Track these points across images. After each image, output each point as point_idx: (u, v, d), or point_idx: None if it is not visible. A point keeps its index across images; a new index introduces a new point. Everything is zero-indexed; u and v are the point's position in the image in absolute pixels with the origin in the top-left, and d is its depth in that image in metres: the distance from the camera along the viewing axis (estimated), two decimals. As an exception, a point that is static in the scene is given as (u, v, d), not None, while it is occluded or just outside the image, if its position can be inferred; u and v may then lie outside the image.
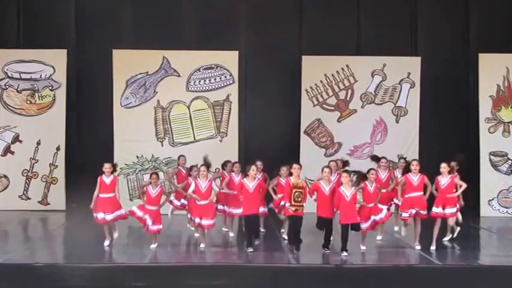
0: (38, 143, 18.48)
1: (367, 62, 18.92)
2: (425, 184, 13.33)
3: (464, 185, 13.43)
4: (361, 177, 13.28)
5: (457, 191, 13.44)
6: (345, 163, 14.61)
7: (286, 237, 13.97)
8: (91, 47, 18.80)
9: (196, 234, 14.03)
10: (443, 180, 13.34)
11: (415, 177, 13.30)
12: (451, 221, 13.78)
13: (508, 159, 18.47)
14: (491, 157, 18.46)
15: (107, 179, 13.56)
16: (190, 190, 13.60)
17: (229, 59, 18.50)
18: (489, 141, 18.46)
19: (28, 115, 18.57)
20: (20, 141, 18.51)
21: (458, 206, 13.67)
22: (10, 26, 19.13)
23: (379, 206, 13.42)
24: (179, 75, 18.49)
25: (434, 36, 19.24)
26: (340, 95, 18.88)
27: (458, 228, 14.18)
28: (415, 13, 19.53)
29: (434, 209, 13.34)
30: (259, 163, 14.80)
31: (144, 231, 13.50)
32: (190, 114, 18.49)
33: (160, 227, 13.41)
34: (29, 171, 18.51)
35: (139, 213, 13.29)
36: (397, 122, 18.86)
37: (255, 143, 18.38)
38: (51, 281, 11.36)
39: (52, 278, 11.37)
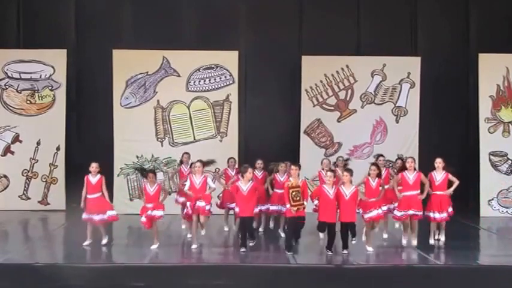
0: (38, 143, 18.48)
1: (367, 62, 18.92)
2: (422, 182, 13.37)
3: (456, 182, 13.45)
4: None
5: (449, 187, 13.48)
6: (346, 162, 14.69)
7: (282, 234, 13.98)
8: (91, 47, 18.80)
9: (189, 235, 14.02)
10: (438, 176, 13.40)
11: (410, 175, 13.34)
12: (442, 225, 13.78)
13: (508, 159, 18.47)
14: (491, 157, 18.47)
15: (92, 178, 13.56)
16: (185, 187, 13.65)
17: (229, 59, 18.50)
18: (489, 141, 18.47)
19: (28, 115, 18.57)
20: (20, 141, 18.51)
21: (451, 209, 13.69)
22: (10, 26, 19.13)
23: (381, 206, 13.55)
24: (179, 75, 18.49)
25: (434, 36, 19.24)
26: (340, 95, 18.88)
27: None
28: (415, 13, 19.53)
29: (431, 214, 13.41)
30: (259, 162, 14.90)
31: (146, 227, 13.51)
32: (190, 114, 18.50)
33: (162, 213, 13.33)
34: (29, 171, 18.51)
35: (143, 219, 13.30)
36: (397, 122, 18.86)
37: (255, 143, 18.38)
38: (51, 281, 11.35)
39: (52, 278, 11.36)
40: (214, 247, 13.93)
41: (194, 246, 13.41)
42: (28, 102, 18.58)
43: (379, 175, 13.48)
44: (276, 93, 18.60)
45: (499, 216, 18.23)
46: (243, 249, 12.99)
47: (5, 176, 18.50)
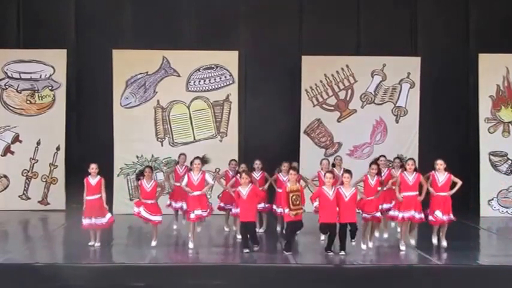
0: (38, 143, 18.49)
1: (367, 62, 18.92)
2: (421, 183, 13.30)
3: (460, 183, 13.40)
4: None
5: (452, 188, 13.42)
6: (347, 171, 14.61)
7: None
8: (91, 47, 18.78)
9: (189, 235, 14.02)
10: (441, 177, 13.33)
11: (410, 176, 13.28)
12: (444, 228, 13.66)
13: (508, 159, 18.48)
14: (491, 157, 18.47)
15: (92, 180, 13.51)
16: (183, 183, 13.65)
17: (229, 59, 18.50)
18: (489, 141, 18.47)
19: (28, 115, 18.58)
20: (20, 141, 18.51)
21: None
22: (10, 26, 19.13)
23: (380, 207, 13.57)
24: (179, 75, 18.49)
25: (434, 36, 19.23)
26: (340, 95, 18.88)
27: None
28: (415, 13, 19.52)
29: (436, 214, 13.27)
30: (257, 162, 14.88)
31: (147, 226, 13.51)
32: (190, 114, 18.50)
33: (160, 218, 13.39)
34: (29, 171, 18.51)
35: (136, 209, 13.33)
36: (397, 122, 18.86)
37: (255, 143, 18.37)
38: (51, 281, 11.35)
39: (52, 278, 11.36)
40: (214, 247, 13.92)
41: (191, 245, 13.39)
42: (28, 102, 18.58)
43: (378, 174, 13.49)
44: (276, 93, 18.59)
45: (499, 216, 18.23)
46: (246, 250, 12.99)
47: (5, 176, 18.51)
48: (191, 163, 14.04)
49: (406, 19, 19.57)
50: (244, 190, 13.12)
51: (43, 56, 18.56)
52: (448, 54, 19.21)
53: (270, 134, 18.19)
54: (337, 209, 12.85)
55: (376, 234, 14.18)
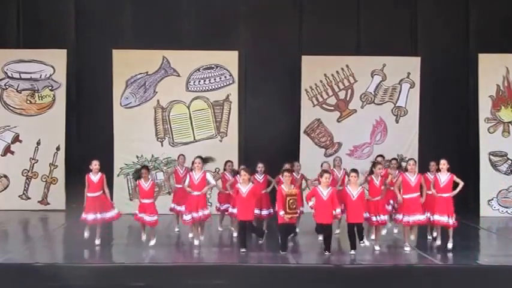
0: (38, 143, 18.49)
1: (367, 62, 18.93)
2: (421, 184, 13.26)
3: (461, 183, 13.37)
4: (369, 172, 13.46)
5: (454, 188, 13.39)
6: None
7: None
8: (91, 47, 18.79)
9: (191, 235, 14.03)
10: (443, 177, 13.30)
11: (412, 177, 13.25)
12: (450, 232, 13.58)
13: (508, 159, 18.48)
14: (491, 157, 18.47)
15: (94, 177, 13.53)
16: (185, 183, 13.66)
17: (229, 59, 18.51)
18: (489, 141, 18.47)
19: (28, 115, 18.58)
20: (20, 141, 18.52)
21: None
22: (10, 26, 19.13)
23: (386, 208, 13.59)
24: (179, 75, 18.50)
25: (434, 36, 19.23)
26: (340, 95, 18.89)
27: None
28: (415, 13, 19.53)
29: (437, 217, 13.23)
30: (260, 165, 14.81)
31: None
32: (190, 114, 18.50)
33: (156, 218, 13.39)
34: (29, 171, 18.52)
35: (140, 214, 13.35)
36: (397, 122, 18.87)
37: (255, 143, 18.38)
38: (51, 281, 11.36)
39: (52, 278, 11.37)
40: (214, 247, 13.92)
41: (196, 242, 13.39)
42: (28, 102, 18.58)
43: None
44: (275, 93, 18.59)
45: (499, 216, 18.24)
46: (242, 250, 12.99)
47: (5, 176, 18.51)
48: (192, 163, 14.02)
49: (406, 19, 19.58)
50: (244, 188, 13.11)
51: (43, 56, 18.57)
52: (448, 54, 19.21)
53: (270, 134, 18.18)
54: (338, 209, 12.80)
55: (384, 231, 14.13)
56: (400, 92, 18.85)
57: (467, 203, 18.08)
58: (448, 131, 19.11)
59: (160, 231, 13.94)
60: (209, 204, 13.99)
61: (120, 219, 14.07)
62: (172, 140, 18.43)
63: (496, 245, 15.65)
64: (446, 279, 11.67)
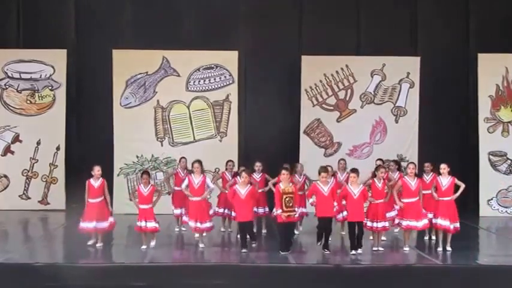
0: (38, 143, 18.50)
1: (367, 62, 18.93)
2: (420, 188, 13.19)
3: (463, 186, 13.36)
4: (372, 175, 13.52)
5: (456, 191, 13.36)
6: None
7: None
8: (91, 47, 18.79)
9: (196, 235, 14.02)
10: (444, 181, 13.27)
11: (412, 181, 13.19)
12: (449, 237, 13.51)
13: (507, 159, 18.49)
14: (491, 157, 18.49)
15: (95, 182, 13.45)
16: (183, 185, 13.65)
17: (229, 59, 18.51)
18: (488, 141, 18.49)
19: (28, 115, 18.59)
20: (20, 141, 18.53)
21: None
22: (10, 26, 19.12)
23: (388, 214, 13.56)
24: (179, 75, 18.50)
25: (434, 36, 19.23)
26: (339, 95, 18.89)
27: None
28: (415, 13, 19.52)
29: (439, 221, 13.16)
30: (258, 164, 14.83)
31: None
32: (190, 114, 18.51)
33: (157, 225, 13.35)
34: (29, 171, 18.52)
35: (142, 224, 13.30)
36: (397, 122, 18.87)
37: (255, 143, 18.38)
38: (51, 281, 11.37)
39: (52, 278, 11.38)
40: (214, 247, 13.93)
41: (202, 245, 13.38)
42: (28, 102, 18.59)
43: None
44: (275, 93, 18.61)
45: (499, 216, 18.25)
46: (244, 250, 13.01)
47: (5, 176, 18.52)
48: (192, 165, 14.00)
49: (406, 19, 19.57)
50: (243, 190, 13.12)
51: (43, 56, 18.58)
52: (448, 54, 19.22)
53: (270, 133, 18.17)
54: (340, 203, 12.82)
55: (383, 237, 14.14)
56: (399, 92, 18.85)
57: (466, 202, 18.10)
58: (448, 131, 19.11)
59: (160, 231, 13.93)
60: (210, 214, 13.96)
61: (120, 219, 14.08)
62: (172, 140, 18.44)
63: (495, 244, 15.66)
64: (446, 279, 11.68)
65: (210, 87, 18.50)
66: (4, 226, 16.42)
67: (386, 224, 13.41)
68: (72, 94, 18.92)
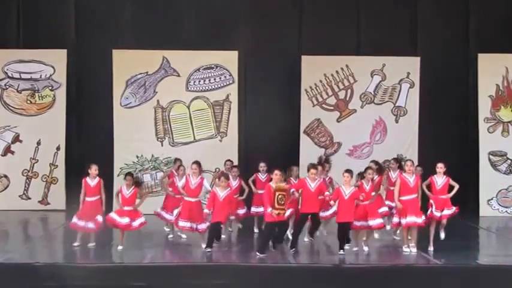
0: (38, 143, 18.50)
1: (367, 62, 18.93)
2: (418, 186, 13.18)
3: (457, 186, 13.38)
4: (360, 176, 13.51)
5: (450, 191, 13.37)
6: (326, 160, 14.93)
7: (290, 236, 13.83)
8: (91, 47, 18.78)
9: (184, 236, 14.02)
10: (439, 180, 13.30)
11: (410, 178, 13.17)
12: (444, 221, 13.57)
13: (507, 158, 18.50)
14: (491, 157, 18.49)
15: (91, 181, 13.44)
16: (180, 184, 13.65)
17: (229, 59, 18.52)
18: (488, 141, 18.50)
19: (28, 115, 18.59)
20: (20, 141, 18.53)
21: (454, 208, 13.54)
22: (10, 26, 19.12)
23: (379, 211, 13.55)
24: (179, 75, 18.51)
25: (434, 36, 19.23)
26: (339, 95, 18.89)
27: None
28: (414, 13, 19.50)
29: (433, 212, 13.24)
30: (262, 164, 14.86)
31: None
32: (190, 114, 18.51)
33: (143, 220, 13.27)
34: (29, 171, 18.53)
35: (118, 219, 13.17)
36: (397, 122, 18.87)
37: (255, 143, 18.36)
38: (51, 281, 11.37)
39: (52, 278, 11.38)
40: (214, 247, 13.91)
41: (204, 246, 13.28)
42: (28, 102, 18.60)
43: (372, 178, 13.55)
44: (275, 93, 18.62)
45: (499, 215, 18.26)
46: (208, 250, 12.99)
47: (5, 176, 18.53)
48: (190, 167, 13.94)
49: (406, 19, 19.56)
50: (222, 193, 13.06)
51: (43, 56, 18.58)
52: (448, 54, 19.21)
53: (270, 134, 18.18)
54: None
55: (376, 235, 14.15)
56: (399, 92, 18.85)
57: (466, 202, 18.11)
58: (448, 131, 19.09)
59: (160, 231, 13.94)
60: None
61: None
62: (172, 140, 18.44)
63: (495, 244, 15.67)
64: (446, 279, 11.68)
65: (210, 87, 18.51)
66: (4, 226, 16.43)
67: (382, 220, 13.39)
68: (72, 94, 18.91)
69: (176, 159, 15.35)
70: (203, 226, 13.35)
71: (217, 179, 13.83)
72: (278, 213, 12.53)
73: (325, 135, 18.84)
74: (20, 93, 18.61)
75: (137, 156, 18.27)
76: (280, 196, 12.55)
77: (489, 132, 18.55)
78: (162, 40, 18.54)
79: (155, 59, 18.44)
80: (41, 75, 18.58)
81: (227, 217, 13.48)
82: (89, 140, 18.65)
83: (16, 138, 18.51)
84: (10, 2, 19.14)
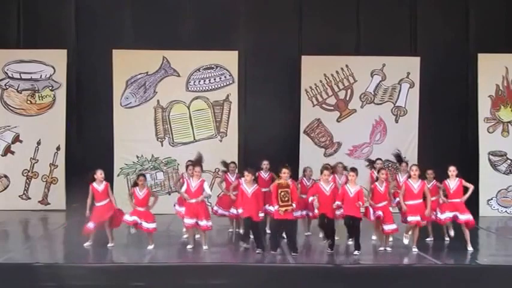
0: (38, 143, 18.51)
1: (367, 62, 18.94)
2: (425, 192, 13.08)
3: (471, 187, 13.35)
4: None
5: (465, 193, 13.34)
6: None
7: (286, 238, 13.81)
8: (91, 47, 18.79)
9: (185, 235, 14.03)
10: (452, 183, 13.27)
11: (415, 184, 13.09)
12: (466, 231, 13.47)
13: (507, 158, 18.51)
14: (491, 157, 18.50)
15: (98, 186, 13.44)
16: (182, 189, 13.65)
17: (229, 59, 18.54)
18: (488, 141, 18.51)
19: (28, 115, 18.60)
20: (20, 141, 18.54)
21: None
22: (10, 26, 19.13)
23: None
24: (179, 75, 18.52)
25: (433, 36, 19.24)
26: (339, 95, 18.90)
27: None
28: (414, 13, 19.51)
29: (446, 215, 13.27)
30: (265, 162, 14.81)
31: (142, 232, 13.49)
32: (190, 114, 18.53)
33: (154, 225, 13.34)
34: (29, 171, 18.53)
35: (131, 218, 13.21)
36: (397, 121, 18.88)
37: (255, 143, 18.37)
38: (51, 281, 11.37)
39: (52, 278, 11.38)
40: (214, 247, 13.93)
41: (206, 247, 13.33)
42: (28, 102, 18.60)
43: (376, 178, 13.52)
44: (275, 93, 18.62)
45: (498, 215, 18.28)
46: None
47: (5, 176, 18.54)
48: (192, 169, 13.88)
49: (406, 19, 19.56)
50: (250, 189, 13.08)
51: (43, 56, 18.59)
52: (448, 54, 19.22)
53: (270, 134, 18.18)
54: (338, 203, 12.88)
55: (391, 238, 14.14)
56: (399, 91, 18.86)
57: (466, 202, 18.07)
58: (448, 131, 19.09)
59: (160, 231, 13.94)
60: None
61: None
62: (172, 140, 18.45)
63: (495, 244, 15.67)
64: (446, 279, 11.68)
65: (210, 87, 18.52)
66: (4, 226, 16.43)
67: (395, 226, 13.32)
68: (72, 94, 18.92)
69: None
70: (205, 223, 13.32)
71: (242, 177, 13.70)
72: (285, 209, 12.59)
73: (325, 135, 18.85)
74: (20, 93, 18.62)
75: (137, 156, 18.29)
76: (282, 193, 12.60)
77: (489, 132, 18.56)
78: (162, 40, 18.56)
79: (155, 59, 18.46)
80: (41, 75, 18.58)
81: (257, 212, 13.35)
82: (89, 140, 18.66)
83: (16, 138, 18.52)
84: (10, 2, 19.15)
